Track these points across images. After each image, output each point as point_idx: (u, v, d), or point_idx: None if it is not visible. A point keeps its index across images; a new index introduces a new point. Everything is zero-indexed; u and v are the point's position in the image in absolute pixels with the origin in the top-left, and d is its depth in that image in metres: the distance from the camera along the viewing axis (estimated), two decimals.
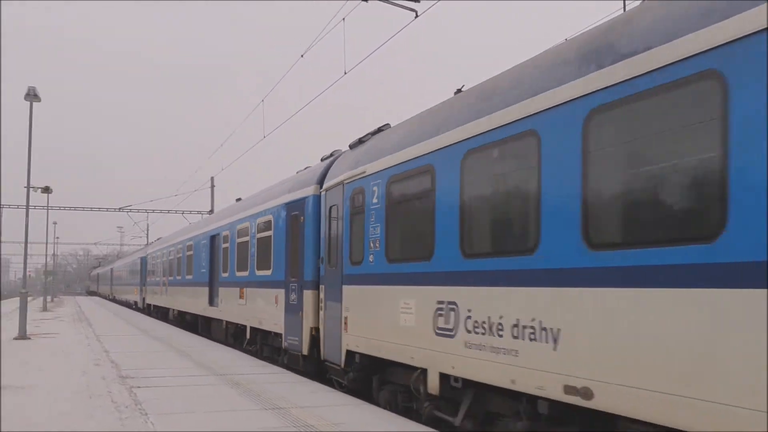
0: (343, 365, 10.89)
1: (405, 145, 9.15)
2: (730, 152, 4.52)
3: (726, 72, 4.61)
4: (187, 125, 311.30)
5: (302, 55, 16.70)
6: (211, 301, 21.13)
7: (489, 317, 6.96)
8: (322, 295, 12.04)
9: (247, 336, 16.81)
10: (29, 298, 21.99)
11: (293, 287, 13.32)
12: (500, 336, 6.76)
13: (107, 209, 56.53)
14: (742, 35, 4.51)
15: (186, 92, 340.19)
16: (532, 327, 6.30)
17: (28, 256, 23.31)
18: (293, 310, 13.22)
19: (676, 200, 5.04)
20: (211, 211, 40.39)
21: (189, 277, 25.11)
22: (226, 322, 19.31)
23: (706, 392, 4.57)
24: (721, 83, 4.64)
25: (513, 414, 6.95)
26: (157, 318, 33.34)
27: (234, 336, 18.69)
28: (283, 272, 13.99)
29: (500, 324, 6.78)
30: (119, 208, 55.19)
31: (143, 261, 41.22)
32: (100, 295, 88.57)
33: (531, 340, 6.31)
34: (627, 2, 8.76)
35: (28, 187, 23.25)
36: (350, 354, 10.66)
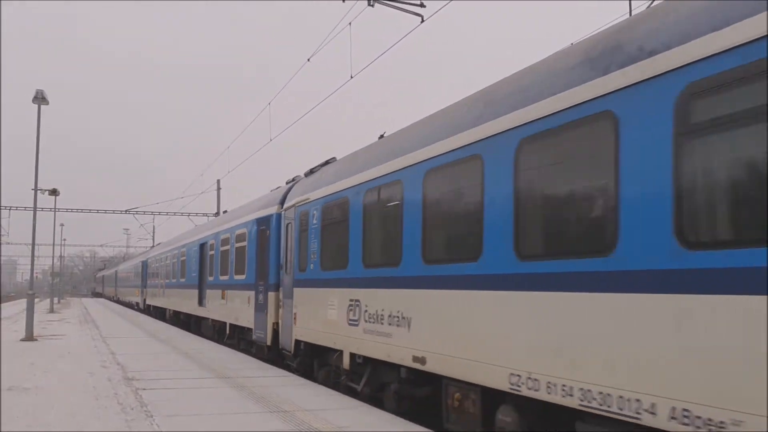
0: (293, 352, 13.65)
1: (332, 180, 11.92)
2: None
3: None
4: (194, 127, 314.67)
5: (309, 59, 17.02)
6: (200, 302, 23.92)
7: (377, 310, 9.70)
8: (281, 296, 14.80)
9: (227, 332, 19.61)
10: (36, 300, 22.41)
11: (261, 289, 16.08)
12: (381, 324, 9.50)
13: (114, 211, 57.13)
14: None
15: (193, 93, 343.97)
16: (398, 317, 9.04)
17: (36, 258, 23.63)
18: (260, 308, 15.97)
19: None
20: (217, 214, 40.53)
21: (182, 280, 27.93)
22: (212, 320, 22.12)
23: (484, 356, 7.28)
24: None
25: (393, 380, 9.68)
26: (156, 318, 36.13)
27: (218, 332, 21.46)
28: (254, 276, 16.75)
29: (382, 315, 9.52)
30: (126, 211, 55.59)
31: (144, 265, 44.09)
32: (105, 297, 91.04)
33: (397, 326, 9.05)
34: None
35: (36, 189, 23.72)
36: (298, 342, 13.41)
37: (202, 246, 24.06)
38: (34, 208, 23.88)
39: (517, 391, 6.51)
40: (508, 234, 6.80)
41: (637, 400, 5.10)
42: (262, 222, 16.36)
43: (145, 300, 43.19)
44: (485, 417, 7.32)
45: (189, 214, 51.25)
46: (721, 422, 4.41)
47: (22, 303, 44.55)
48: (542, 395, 6.19)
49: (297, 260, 13.49)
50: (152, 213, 55.81)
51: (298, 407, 9.15)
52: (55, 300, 56.46)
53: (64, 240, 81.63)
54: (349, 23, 14.55)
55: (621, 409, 5.25)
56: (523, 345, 6.52)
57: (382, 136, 11.99)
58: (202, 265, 23.96)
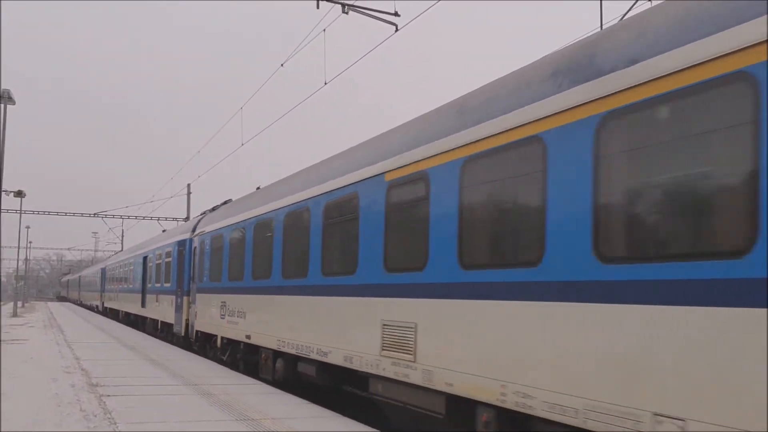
0: (194, 339, 19.11)
1: (217, 219, 17.40)
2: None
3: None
4: (165, 131, 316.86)
5: (282, 65, 17.29)
6: (143, 304, 29.20)
7: (234, 308, 15.17)
8: (191, 300, 20.23)
9: (158, 327, 24.98)
10: None
11: (179, 294, 21.47)
12: (233, 317, 14.99)
13: (82, 214, 56.61)
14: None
15: (164, 98, 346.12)
16: (241, 312, 14.54)
17: (1, 261, 26.19)
18: (178, 309, 21.36)
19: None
20: (187, 218, 39.64)
21: (131, 286, 33.19)
22: (150, 318, 27.44)
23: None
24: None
25: (239, 351, 15.15)
26: (112, 318, 41.16)
27: (155, 328, 26.75)
28: (175, 285, 22.14)
29: (235, 311, 15.00)
30: (94, 214, 54.90)
31: (103, 272, 49.11)
32: (70, 301, 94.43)
33: (239, 317, 14.55)
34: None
35: (0, 190, 23.18)
36: (198, 332, 18.86)
37: (145, 259, 29.35)
38: None
39: (287, 351, 12.07)
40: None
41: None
42: (181, 244, 21.78)
43: (103, 303, 48.25)
44: (275, 369, 12.80)
45: (158, 219, 50.91)
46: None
47: None
48: (326, 358, 11.77)
49: (199, 274, 18.93)
50: (121, 217, 54.93)
51: (265, 415, 9.29)
52: (20, 304, 57.18)
53: (30, 242, 78.67)
54: (324, 30, 14.73)
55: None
56: (285, 324, 12.06)
57: (258, 188, 17.48)
58: (144, 274, 29.24)
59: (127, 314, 35.35)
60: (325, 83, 15.08)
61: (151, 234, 41.18)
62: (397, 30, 13.06)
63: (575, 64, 5.91)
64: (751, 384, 4.17)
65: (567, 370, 5.56)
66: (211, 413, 9.35)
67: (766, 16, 4.31)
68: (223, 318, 15.93)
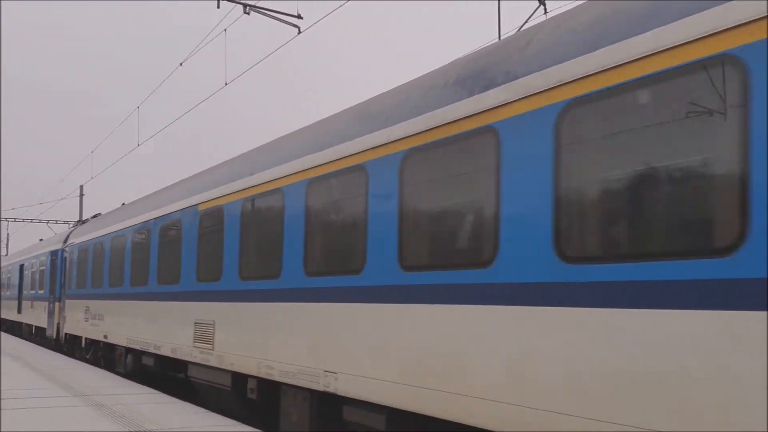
0: (63, 341, 20.92)
1: (83, 234, 19.36)
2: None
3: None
4: (55, 131, 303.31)
5: (181, 64, 16.98)
6: (19, 310, 30.27)
7: (95, 312, 17.23)
8: (62, 305, 21.96)
9: (33, 332, 26.35)
10: None
11: (51, 300, 23.10)
12: (95, 319, 17.07)
13: None
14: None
15: (54, 97, 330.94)
16: (100, 315, 16.65)
17: None
18: (51, 314, 23.00)
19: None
20: (79, 221, 37.08)
21: (8, 293, 33.98)
22: (25, 323, 28.64)
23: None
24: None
25: (100, 350, 17.24)
26: None
27: (30, 333, 28.00)
28: (48, 292, 23.73)
29: (96, 314, 17.07)
30: None
31: None
32: None
33: (99, 320, 16.66)
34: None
35: None
36: (66, 335, 20.68)
37: (21, 267, 30.43)
38: None
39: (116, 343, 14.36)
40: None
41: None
42: (54, 254, 23.41)
43: None
44: (126, 363, 15.02)
45: (48, 221, 49.04)
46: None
47: None
48: (160, 351, 14.11)
49: (68, 281, 20.76)
50: (6, 219, 51.94)
51: (162, 426, 8.72)
52: None
53: None
54: (224, 30, 14.47)
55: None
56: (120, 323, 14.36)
57: (123, 204, 19.55)
58: (21, 281, 30.32)
59: (4, 320, 35.99)
60: (226, 83, 14.96)
61: (45, 236, 40.72)
62: (300, 32, 13.00)
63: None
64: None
65: (291, 349, 8.32)
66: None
67: None
68: (87, 321, 17.94)
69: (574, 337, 4.73)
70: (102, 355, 16.99)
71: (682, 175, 4.22)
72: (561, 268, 4.87)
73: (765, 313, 3.71)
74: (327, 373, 7.52)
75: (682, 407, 4.06)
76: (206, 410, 10.16)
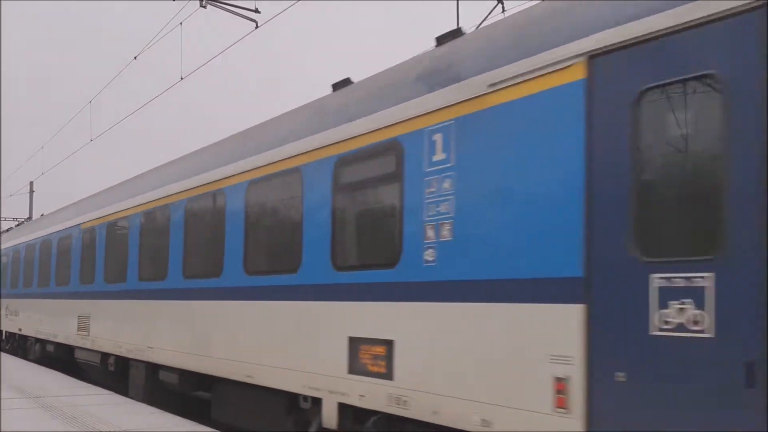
0: (4, 338, 23.78)
1: (14, 237, 22.22)
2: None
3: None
4: (3, 125, 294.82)
5: (135, 57, 16.60)
6: None
7: (13, 309, 20.13)
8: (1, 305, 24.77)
9: None
10: None
11: None
12: (14, 315, 19.99)
13: None
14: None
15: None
16: (17, 311, 19.58)
17: None
18: None
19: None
20: (29, 218, 37.18)
21: None
22: None
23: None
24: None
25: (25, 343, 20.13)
26: None
27: None
28: None
29: (14, 311, 19.99)
30: None
31: None
32: None
33: (15, 315, 19.60)
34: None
35: None
36: (9, 333, 23.53)
37: None
38: None
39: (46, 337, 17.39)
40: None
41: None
42: None
43: None
44: (35, 351, 17.96)
45: None
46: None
47: None
48: (56, 339, 17.16)
49: (9, 281, 23.58)
50: None
51: (115, 427, 8.50)
52: None
53: None
54: (180, 23, 14.30)
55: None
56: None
57: (42, 215, 22.45)
58: None
59: None
60: (182, 78, 14.73)
61: None
62: (257, 27, 12.76)
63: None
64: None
65: (132, 334, 11.54)
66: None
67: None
68: (7, 317, 20.84)
69: (330, 316, 6.82)
70: (18, 345, 19.94)
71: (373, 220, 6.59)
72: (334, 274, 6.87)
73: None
74: (148, 348, 10.81)
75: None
76: (162, 411, 10.04)
